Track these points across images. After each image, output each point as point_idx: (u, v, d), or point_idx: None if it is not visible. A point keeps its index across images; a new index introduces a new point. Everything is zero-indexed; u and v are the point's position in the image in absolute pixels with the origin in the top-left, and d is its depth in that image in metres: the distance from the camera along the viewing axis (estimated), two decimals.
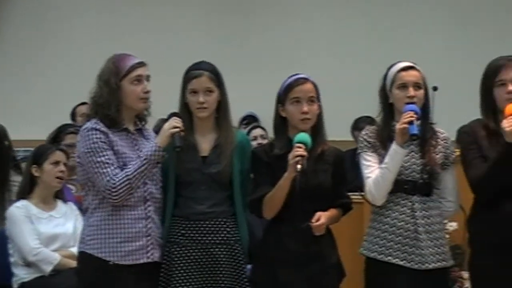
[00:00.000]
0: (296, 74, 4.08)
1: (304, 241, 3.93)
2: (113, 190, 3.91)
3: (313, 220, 3.90)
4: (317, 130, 4.04)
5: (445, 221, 4.22)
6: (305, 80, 4.04)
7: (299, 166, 3.80)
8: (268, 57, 8.49)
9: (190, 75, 4.10)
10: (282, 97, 4.05)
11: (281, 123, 4.08)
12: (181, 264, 4.03)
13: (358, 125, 6.85)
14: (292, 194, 3.90)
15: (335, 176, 4.03)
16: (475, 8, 8.21)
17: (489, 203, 3.87)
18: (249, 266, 4.13)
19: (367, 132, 4.08)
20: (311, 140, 3.91)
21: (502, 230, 3.82)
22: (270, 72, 8.30)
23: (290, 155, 3.85)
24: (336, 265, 4.03)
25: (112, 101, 3.99)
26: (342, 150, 4.19)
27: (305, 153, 3.83)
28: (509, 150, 3.73)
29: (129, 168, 3.95)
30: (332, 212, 4.01)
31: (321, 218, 3.92)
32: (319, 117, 4.05)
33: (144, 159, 3.96)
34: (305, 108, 3.98)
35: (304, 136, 3.90)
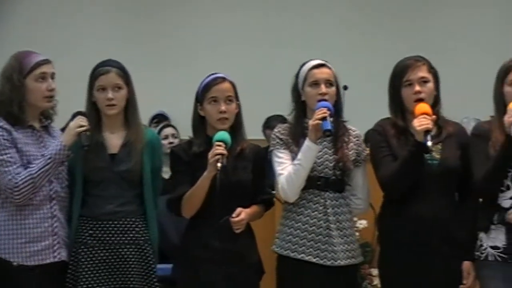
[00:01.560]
0: (214, 74, 4.08)
1: (224, 239, 3.92)
2: (15, 189, 3.84)
3: (233, 215, 3.90)
4: (236, 128, 4.04)
5: (355, 218, 4.25)
6: (223, 79, 4.04)
7: (219, 164, 3.79)
8: (178, 56, 8.46)
9: (97, 72, 4.05)
10: (201, 96, 4.04)
11: (200, 122, 4.06)
12: (89, 265, 3.97)
13: (270, 123, 6.87)
14: (212, 192, 3.88)
15: (255, 172, 4.03)
16: (385, 9, 8.31)
17: (398, 201, 3.90)
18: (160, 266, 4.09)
19: (280, 129, 4.09)
20: (231, 139, 3.90)
21: (410, 228, 3.86)
22: (181, 72, 8.31)
23: (210, 154, 3.84)
24: (256, 263, 4.03)
25: (15, 99, 3.91)
26: (262, 147, 4.18)
27: (225, 152, 3.83)
28: (418, 148, 3.78)
29: (33, 167, 3.88)
30: (253, 208, 4.01)
31: (241, 213, 3.92)
32: (238, 115, 4.05)
33: (49, 158, 3.90)
34: (223, 108, 3.97)
35: (224, 135, 3.90)
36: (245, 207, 3.96)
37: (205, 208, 3.93)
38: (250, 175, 4.01)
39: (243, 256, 3.96)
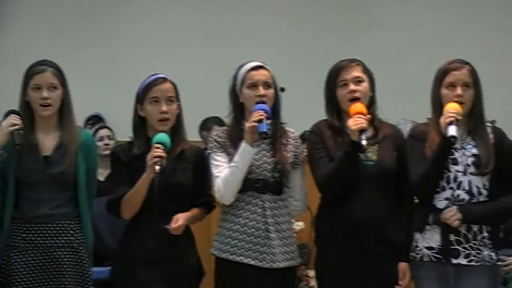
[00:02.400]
0: (155, 74, 4.05)
1: (163, 241, 3.89)
2: None
3: (172, 223, 3.88)
4: (176, 129, 4.01)
5: (293, 220, 4.26)
6: (164, 80, 4.01)
7: (157, 167, 3.77)
8: (114, 57, 8.38)
9: (32, 71, 4.01)
10: (141, 97, 4.01)
11: (140, 122, 4.03)
12: (21, 269, 3.92)
13: (206, 125, 6.85)
14: (151, 193, 3.86)
15: (196, 175, 4.01)
16: (322, 11, 8.34)
17: (334, 202, 3.92)
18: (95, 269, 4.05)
19: (217, 132, 4.08)
20: (171, 140, 3.88)
21: (345, 229, 3.89)
22: (117, 73, 8.22)
23: (149, 156, 3.81)
24: (195, 265, 4.02)
25: None
26: (203, 149, 4.17)
27: (163, 154, 3.80)
28: (353, 148, 3.80)
29: None
30: (193, 211, 4.00)
31: (179, 220, 3.90)
32: (179, 116, 4.03)
33: None
34: (164, 108, 3.95)
35: (163, 136, 3.87)
36: (185, 209, 3.94)
37: (144, 210, 3.91)
38: (191, 177, 3.99)
39: (182, 258, 3.95)
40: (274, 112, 4.00)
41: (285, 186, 4.04)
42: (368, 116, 3.86)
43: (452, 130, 3.75)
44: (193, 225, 4.06)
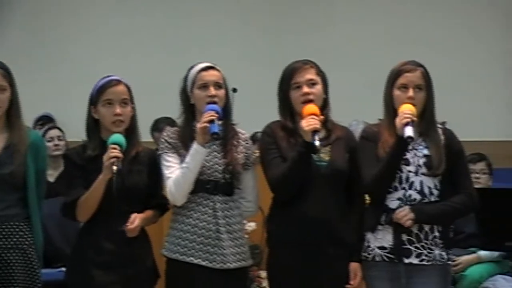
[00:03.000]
0: (109, 76, 4.03)
1: (119, 243, 3.88)
2: None
3: (128, 223, 3.86)
4: (131, 131, 3.99)
5: (245, 221, 4.26)
6: (118, 82, 3.99)
7: (114, 168, 3.75)
8: (66, 59, 8.31)
9: None
10: (95, 99, 3.99)
11: (94, 124, 4.00)
12: None
13: (158, 125, 6.82)
14: (107, 195, 3.84)
15: (150, 177, 4.00)
16: (275, 12, 8.35)
17: (287, 202, 3.93)
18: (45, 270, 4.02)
19: (169, 133, 4.06)
20: (125, 142, 3.86)
21: (298, 229, 3.89)
22: (68, 73, 8.14)
23: (105, 157, 3.80)
24: (151, 266, 4.01)
25: None
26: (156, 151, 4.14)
27: (120, 154, 3.79)
28: (306, 148, 3.81)
29: None
30: (147, 213, 3.99)
31: (136, 220, 3.88)
32: (133, 118, 4.01)
33: None
34: (118, 110, 3.93)
35: (118, 137, 3.86)
36: (139, 211, 3.93)
37: (99, 212, 3.89)
38: (145, 179, 3.98)
39: (138, 259, 3.94)
40: (225, 113, 3.99)
41: (236, 187, 4.03)
42: (322, 117, 3.88)
43: (409, 131, 3.77)
44: (146, 227, 4.04)
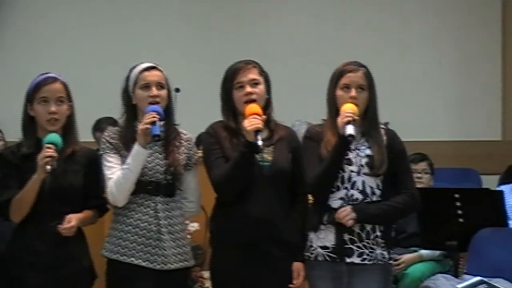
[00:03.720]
0: (46, 73, 3.98)
1: (53, 243, 3.84)
2: None
3: (64, 223, 3.82)
4: (67, 130, 3.95)
5: (187, 222, 4.25)
6: (54, 79, 3.95)
7: (48, 167, 3.71)
8: (2, 56, 8.19)
9: None
10: (31, 96, 3.94)
11: (30, 123, 3.95)
12: None
13: (100, 126, 6.76)
14: (41, 195, 3.80)
15: (88, 177, 3.96)
16: (217, 11, 8.33)
17: (230, 203, 3.93)
18: None
19: (110, 133, 4.04)
20: (62, 141, 3.82)
21: (240, 230, 3.90)
22: (5, 73, 8.02)
23: (40, 156, 3.75)
24: (87, 267, 3.97)
25: None
26: (95, 151, 4.10)
27: (54, 154, 3.75)
28: (249, 148, 3.81)
29: None
30: (85, 213, 3.95)
31: (72, 220, 3.84)
32: (70, 117, 3.97)
33: None
34: (53, 108, 3.89)
35: (54, 137, 3.81)
36: (76, 212, 3.89)
37: (33, 212, 3.84)
38: (81, 179, 3.94)
39: (73, 260, 3.89)
40: (167, 114, 3.98)
41: (178, 188, 4.02)
42: (264, 117, 3.88)
43: (350, 129, 3.80)
44: (86, 227, 4.00)
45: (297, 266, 3.97)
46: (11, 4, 8.36)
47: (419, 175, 6.02)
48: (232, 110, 3.99)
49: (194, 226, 4.86)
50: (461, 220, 5.46)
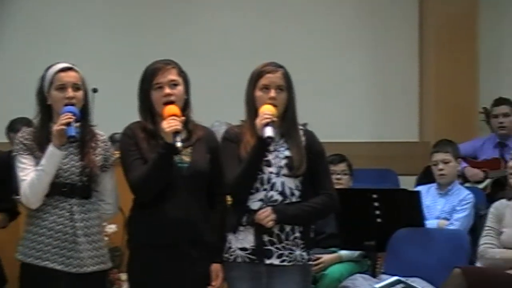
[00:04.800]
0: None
1: None
2: None
3: None
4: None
5: (105, 223, 4.21)
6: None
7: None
8: None
9: None
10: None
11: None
12: None
13: (14, 126, 6.65)
14: None
15: None
16: (136, 11, 8.26)
17: (147, 204, 3.91)
18: None
19: (24, 134, 3.97)
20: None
21: (158, 231, 3.88)
22: None
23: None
24: None
25: None
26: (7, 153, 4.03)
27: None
28: (168, 150, 3.80)
29: None
30: None
31: None
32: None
33: None
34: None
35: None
36: None
37: None
38: None
39: None
40: (84, 115, 3.93)
41: (94, 190, 3.98)
42: (183, 118, 3.87)
43: (269, 131, 3.81)
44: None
45: (216, 267, 3.97)
46: None
47: (338, 176, 6.06)
48: (150, 110, 3.96)
49: (112, 227, 4.83)
50: (379, 220, 5.53)
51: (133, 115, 4.01)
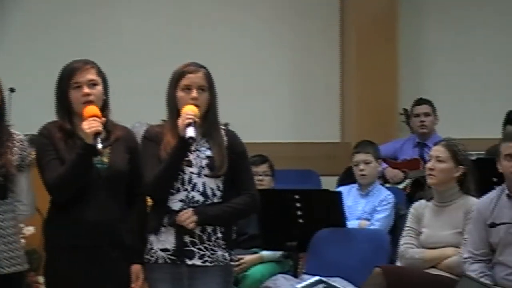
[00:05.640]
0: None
1: None
2: None
3: None
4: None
5: (22, 225, 4.13)
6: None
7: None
8: None
9: None
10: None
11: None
12: None
13: None
14: None
15: None
16: (53, 10, 8.12)
17: (65, 205, 3.87)
18: None
19: None
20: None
21: (76, 233, 3.84)
22: None
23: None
24: None
25: None
26: None
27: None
28: (87, 151, 3.76)
29: None
30: None
31: None
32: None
33: None
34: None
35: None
36: None
37: None
38: None
39: None
40: (0, 115, 3.85)
41: (10, 190, 3.89)
42: (104, 119, 3.84)
43: (191, 132, 3.80)
44: None
45: (136, 268, 3.94)
46: None
47: (260, 177, 6.07)
48: (67, 110, 3.92)
49: (29, 229, 4.76)
50: (301, 221, 5.56)
51: (52, 115, 3.96)
